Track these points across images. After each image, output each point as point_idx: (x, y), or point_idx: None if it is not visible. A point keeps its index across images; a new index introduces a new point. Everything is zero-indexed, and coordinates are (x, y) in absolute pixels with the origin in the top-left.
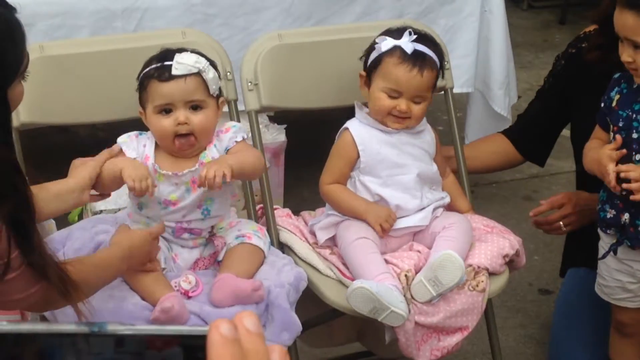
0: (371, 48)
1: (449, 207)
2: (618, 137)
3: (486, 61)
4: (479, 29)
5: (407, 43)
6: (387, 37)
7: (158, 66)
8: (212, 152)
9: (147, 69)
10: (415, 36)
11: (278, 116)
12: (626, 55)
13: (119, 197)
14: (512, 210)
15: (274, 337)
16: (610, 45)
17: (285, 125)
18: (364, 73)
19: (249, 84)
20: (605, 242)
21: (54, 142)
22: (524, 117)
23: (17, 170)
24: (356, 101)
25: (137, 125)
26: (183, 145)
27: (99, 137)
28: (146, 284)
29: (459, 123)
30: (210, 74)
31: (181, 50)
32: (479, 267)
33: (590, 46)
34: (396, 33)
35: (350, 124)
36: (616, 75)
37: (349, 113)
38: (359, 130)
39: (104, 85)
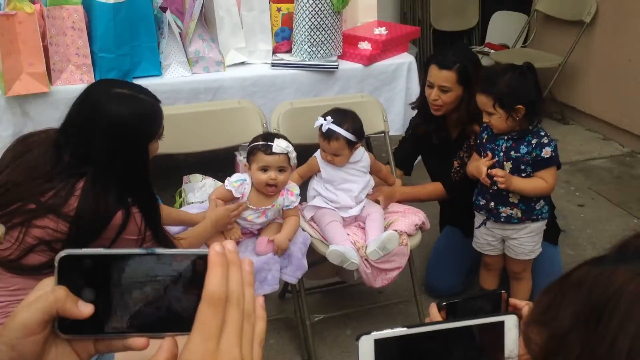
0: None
1: (384, 182)
2: (489, 153)
3: (411, 116)
4: (405, 98)
5: (325, 125)
6: (319, 118)
7: (264, 144)
8: (279, 202)
9: (257, 143)
10: (332, 120)
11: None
12: (434, 95)
13: (204, 193)
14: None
15: (292, 273)
16: (426, 123)
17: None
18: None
19: (275, 130)
20: (478, 218)
21: (162, 165)
22: (398, 151)
23: (150, 185)
24: None
25: (212, 154)
26: (270, 191)
27: (189, 162)
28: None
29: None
30: (292, 154)
31: (279, 136)
32: (402, 231)
33: (416, 124)
34: (326, 115)
35: (317, 154)
36: (484, 124)
37: None
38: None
39: (194, 130)
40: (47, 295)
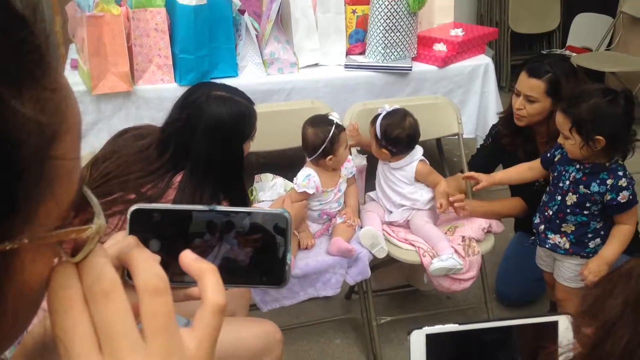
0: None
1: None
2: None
3: (485, 119)
4: (480, 101)
5: (388, 108)
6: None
7: (336, 125)
8: (344, 173)
9: (332, 132)
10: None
11: (361, 150)
12: (519, 104)
13: (275, 192)
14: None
15: (354, 276)
16: (512, 135)
17: (366, 155)
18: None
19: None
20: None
21: None
22: (475, 159)
23: (243, 183)
24: None
25: (280, 153)
26: (337, 171)
27: (260, 162)
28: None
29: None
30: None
31: (322, 116)
32: (470, 238)
33: (502, 134)
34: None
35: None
36: (559, 142)
37: None
38: None
39: (268, 130)
40: (119, 242)
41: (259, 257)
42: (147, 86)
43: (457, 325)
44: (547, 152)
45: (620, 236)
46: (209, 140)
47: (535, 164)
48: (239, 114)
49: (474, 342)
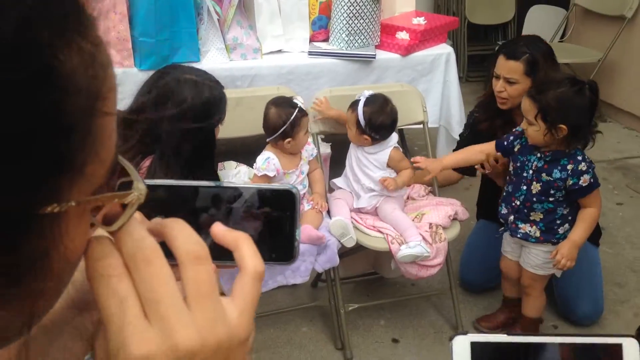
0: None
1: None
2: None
3: (448, 109)
4: (442, 90)
5: (366, 94)
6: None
7: (299, 109)
8: (305, 155)
9: (294, 115)
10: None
11: (326, 138)
12: (499, 86)
13: (238, 179)
14: (454, 192)
15: (322, 264)
16: (491, 118)
17: (330, 143)
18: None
19: (313, 117)
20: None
21: None
22: (457, 148)
23: (214, 167)
24: None
25: (242, 141)
26: (298, 154)
27: (220, 150)
28: None
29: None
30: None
31: (285, 98)
32: (437, 225)
33: (479, 120)
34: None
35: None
36: (519, 129)
37: None
38: None
39: (231, 116)
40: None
41: (267, 233)
42: None
43: (504, 335)
44: (504, 138)
45: (587, 219)
46: (179, 125)
47: (488, 146)
48: (211, 98)
49: (521, 356)
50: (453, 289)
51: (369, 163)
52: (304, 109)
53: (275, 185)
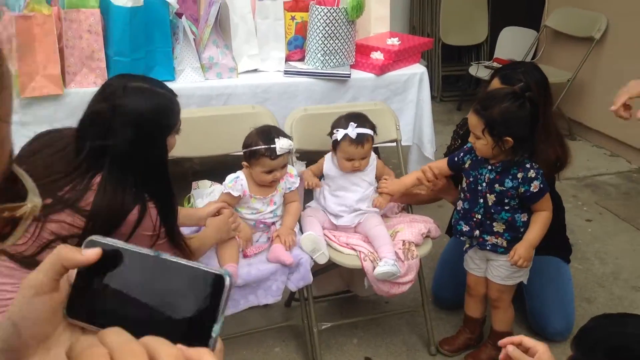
0: (332, 134)
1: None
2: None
3: (420, 128)
4: (416, 109)
5: (352, 131)
6: (339, 129)
7: (267, 148)
8: (282, 186)
9: (259, 148)
10: (356, 124)
11: (301, 156)
12: (471, 139)
13: (213, 198)
14: (427, 210)
15: (295, 282)
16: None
17: (305, 162)
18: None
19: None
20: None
21: (170, 171)
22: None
23: (169, 181)
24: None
25: (218, 159)
26: (273, 184)
27: (196, 170)
28: (221, 254)
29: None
30: (293, 150)
31: (277, 133)
32: (409, 242)
33: (467, 133)
34: (345, 123)
35: (327, 156)
36: (469, 145)
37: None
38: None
39: (207, 135)
40: (52, 253)
41: (186, 314)
42: (79, 89)
43: None
44: (455, 154)
45: (540, 220)
46: (128, 135)
47: (441, 163)
48: (160, 105)
49: None
50: (425, 305)
51: (361, 181)
52: (274, 150)
53: (209, 268)
